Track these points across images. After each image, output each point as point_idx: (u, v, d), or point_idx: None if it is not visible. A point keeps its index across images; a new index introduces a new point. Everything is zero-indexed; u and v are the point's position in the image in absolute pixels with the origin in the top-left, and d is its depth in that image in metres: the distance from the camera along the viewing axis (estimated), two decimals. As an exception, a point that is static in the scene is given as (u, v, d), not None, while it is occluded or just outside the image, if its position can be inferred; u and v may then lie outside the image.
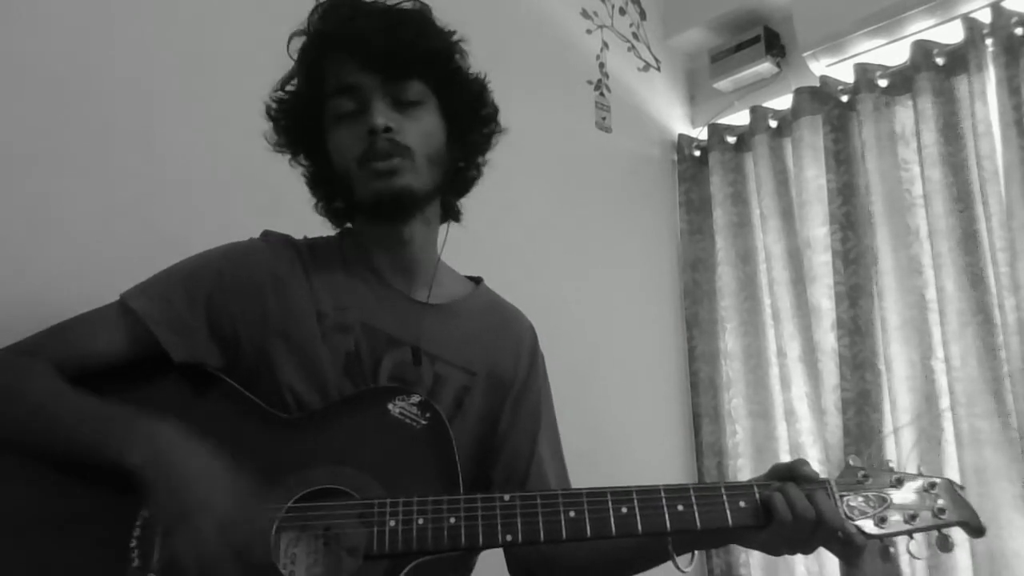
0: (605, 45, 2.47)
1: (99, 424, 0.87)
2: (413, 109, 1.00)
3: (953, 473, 1.89)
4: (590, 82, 2.39)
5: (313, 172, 1.10)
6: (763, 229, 2.38)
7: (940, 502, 0.93)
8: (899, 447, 1.97)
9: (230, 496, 0.82)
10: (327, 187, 1.09)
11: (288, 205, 1.51)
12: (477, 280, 1.18)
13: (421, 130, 1.00)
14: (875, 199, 2.11)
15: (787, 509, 0.89)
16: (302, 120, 1.05)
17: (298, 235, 1.13)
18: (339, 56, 1.00)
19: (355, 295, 1.04)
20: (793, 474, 0.93)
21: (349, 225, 1.14)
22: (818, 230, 2.27)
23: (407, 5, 1.04)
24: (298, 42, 1.06)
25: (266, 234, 1.10)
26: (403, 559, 0.86)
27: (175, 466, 0.83)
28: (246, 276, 1.01)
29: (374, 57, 0.98)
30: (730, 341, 2.43)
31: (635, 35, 2.60)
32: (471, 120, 1.08)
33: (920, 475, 0.96)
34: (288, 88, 1.08)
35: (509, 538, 0.86)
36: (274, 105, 1.08)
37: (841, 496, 0.93)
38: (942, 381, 1.96)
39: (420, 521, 0.86)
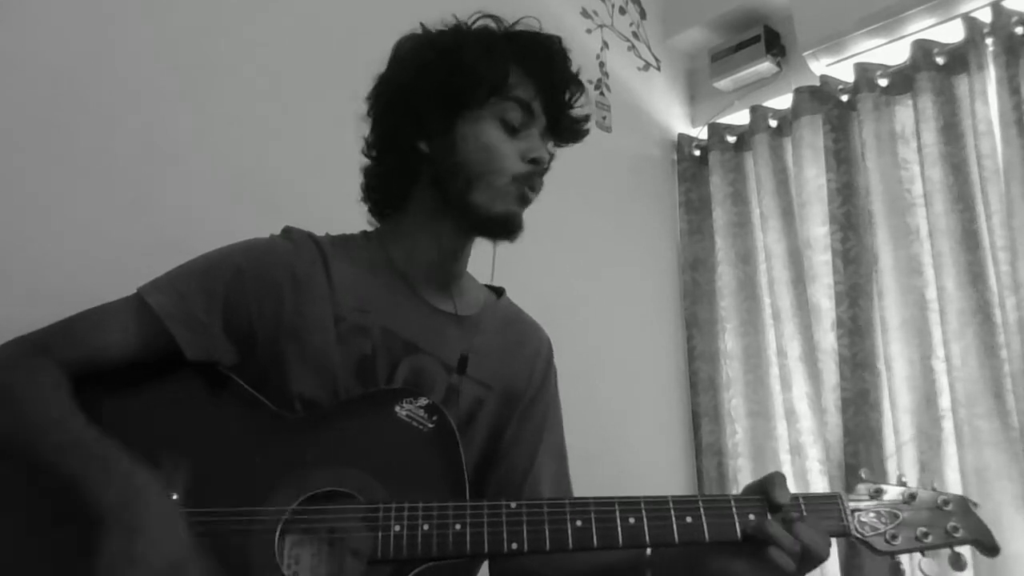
0: (605, 44, 2.47)
1: (84, 459, 0.85)
2: None
3: (953, 473, 1.90)
4: (590, 82, 2.38)
5: (404, 141, 1.05)
6: (763, 229, 2.38)
7: (953, 520, 0.92)
8: (900, 458, 1.97)
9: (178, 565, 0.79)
10: (408, 162, 1.05)
11: (288, 205, 1.52)
12: (499, 291, 1.18)
13: None
14: (875, 199, 2.11)
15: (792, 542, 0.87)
16: (461, 93, 1.01)
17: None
18: (531, 75, 1.03)
19: (377, 298, 1.03)
20: (766, 493, 0.91)
21: (373, 223, 1.13)
22: (818, 230, 2.27)
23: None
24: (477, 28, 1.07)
25: (288, 231, 1.07)
26: (407, 564, 0.85)
27: (139, 517, 0.79)
28: (265, 274, 1.00)
29: (559, 111, 1.06)
30: (730, 341, 2.43)
31: (635, 34, 2.59)
32: None
33: (934, 491, 0.94)
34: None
35: (515, 546, 0.85)
36: (428, 57, 1.04)
37: (852, 512, 0.92)
38: (942, 381, 1.96)
39: (425, 527, 0.85)
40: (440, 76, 1.02)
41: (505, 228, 1.03)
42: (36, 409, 0.89)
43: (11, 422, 0.89)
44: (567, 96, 1.06)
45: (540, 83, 1.03)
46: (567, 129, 1.09)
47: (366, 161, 1.11)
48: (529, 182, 1.02)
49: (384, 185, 1.09)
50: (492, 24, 1.06)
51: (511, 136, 1.02)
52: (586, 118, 1.11)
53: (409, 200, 1.08)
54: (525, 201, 1.03)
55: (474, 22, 1.07)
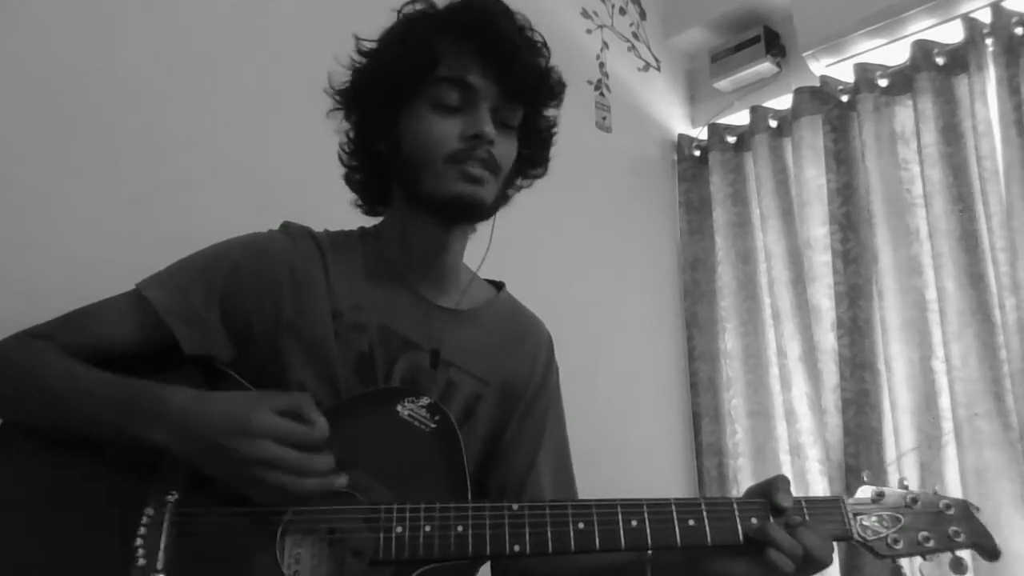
0: (605, 45, 2.47)
1: (114, 405, 0.87)
2: (507, 130, 1.02)
3: (953, 474, 1.90)
4: (590, 82, 2.39)
5: (364, 145, 1.05)
6: (763, 229, 2.39)
7: (954, 524, 0.92)
8: (899, 458, 1.97)
9: (261, 411, 0.83)
10: (375, 164, 1.05)
11: (288, 204, 1.51)
12: (499, 285, 1.17)
13: (508, 152, 1.02)
14: (875, 199, 2.12)
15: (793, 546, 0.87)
16: (388, 89, 0.99)
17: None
18: (463, 47, 0.97)
19: (374, 295, 1.03)
20: (769, 497, 0.91)
21: (370, 219, 1.12)
22: (818, 230, 2.27)
23: (536, 37, 1.03)
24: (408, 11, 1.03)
25: (286, 226, 1.07)
26: (409, 566, 0.85)
27: (199, 426, 0.83)
28: (263, 270, 1.00)
29: (504, 71, 0.98)
30: (730, 341, 2.43)
31: (635, 35, 2.59)
32: (535, 158, 1.11)
33: (936, 495, 0.94)
34: (368, 47, 1.03)
35: (517, 548, 0.85)
36: (360, 59, 1.03)
37: (854, 516, 0.92)
38: (942, 381, 1.96)
39: (427, 528, 0.85)
40: (367, 77, 1.02)
41: (457, 211, 0.99)
42: (52, 376, 0.90)
43: (35, 397, 0.90)
44: (508, 54, 0.98)
45: (472, 51, 0.97)
46: (523, 88, 1.00)
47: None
48: (464, 157, 0.96)
49: (362, 189, 1.09)
50: (422, 6, 1.02)
51: (452, 116, 0.97)
52: (546, 70, 1.02)
53: (391, 198, 1.08)
54: (472, 179, 0.97)
55: (400, 10, 1.03)
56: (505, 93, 0.99)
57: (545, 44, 1.03)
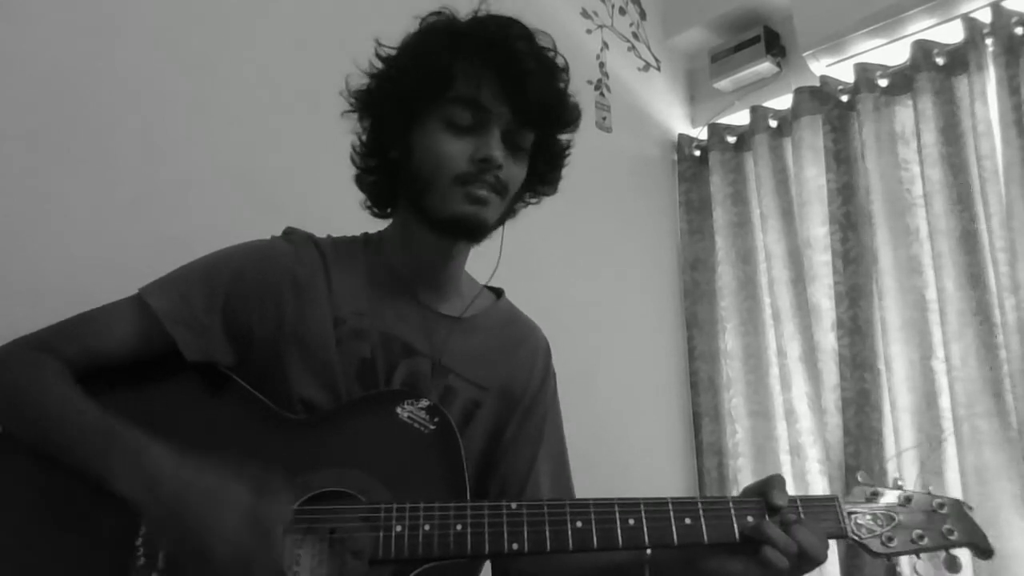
0: (605, 45, 2.47)
1: (96, 444, 0.86)
2: (518, 153, 1.01)
3: (953, 473, 1.90)
4: (590, 82, 2.39)
5: (377, 149, 1.05)
6: (763, 229, 2.39)
7: (948, 522, 0.93)
8: (900, 458, 1.98)
9: (233, 507, 0.82)
10: (387, 168, 1.05)
11: (288, 205, 1.52)
12: (499, 292, 1.17)
13: (517, 175, 1.02)
14: (875, 199, 2.11)
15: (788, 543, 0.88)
16: (402, 102, 1.00)
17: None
18: (479, 66, 0.97)
19: (375, 301, 1.03)
20: (764, 496, 0.92)
21: (375, 221, 1.12)
22: (818, 230, 2.27)
23: (558, 59, 1.02)
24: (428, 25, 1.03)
25: (289, 232, 1.08)
26: (409, 565, 0.86)
27: (167, 495, 0.82)
28: (267, 276, 1.00)
29: (517, 95, 0.97)
30: (730, 341, 2.43)
31: (635, 35, 2.59)
32: (546, 179, 1.11)
33: (929, 494, 0.95)
34: (387, 52, 1.03)
35: (515, 546, 0.85)
36: (379, 66, 1.03)
37: (849, 514, 0.93)
38: (942, 381, 1.96)
39: (427, 527, 0.86)
40: (386, 86, 1.02)
41: (458, 230, 1.00)
42: (46, 402, 0.90)
43: (26, 417, 0.91)
44: (522, 79, 0.97)
45: (488, 72, 0.96)
46: (534, 115, 0.99)
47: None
48: (470, 179, 0.96)
49: (372, 191, 1.09)
50: (443, 20, 1.02)
51: (463, 137, 0.97)
52: (560, 98, 1.02)
53: (398, 204, 1.08)
54: (473, 200, 0.97)
55: (423, 21, 1.03)
56: (517, 117, 0.98)
57: (565, 69, 1.03)
